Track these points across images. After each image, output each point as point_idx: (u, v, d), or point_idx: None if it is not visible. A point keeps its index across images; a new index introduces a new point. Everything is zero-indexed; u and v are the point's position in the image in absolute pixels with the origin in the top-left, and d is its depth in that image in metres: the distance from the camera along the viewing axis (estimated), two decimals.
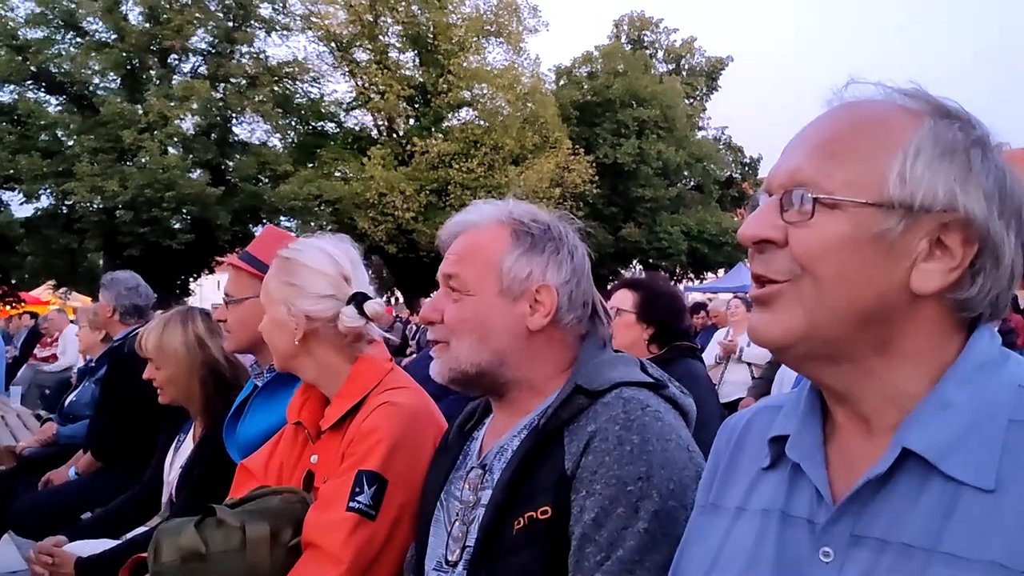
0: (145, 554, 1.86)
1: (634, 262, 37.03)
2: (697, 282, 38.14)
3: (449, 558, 1.54)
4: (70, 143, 26.58)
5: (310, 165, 29.45)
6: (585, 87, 36.34)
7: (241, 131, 30.25)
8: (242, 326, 2.59)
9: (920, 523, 0.88)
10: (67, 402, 5.40)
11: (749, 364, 7.58)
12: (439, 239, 1.66)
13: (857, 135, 0.95)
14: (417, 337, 15.76)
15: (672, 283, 34.61)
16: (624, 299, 3.53)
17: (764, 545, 1.01)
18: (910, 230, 0.91)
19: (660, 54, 41.56)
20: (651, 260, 36.90)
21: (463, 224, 1.63)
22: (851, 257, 0.92)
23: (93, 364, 5.34)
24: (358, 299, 2.03)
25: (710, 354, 7.76)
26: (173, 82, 27.54)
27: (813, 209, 0.93)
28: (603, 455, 1.37)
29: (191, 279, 31.26)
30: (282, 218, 28.71)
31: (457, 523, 1.55)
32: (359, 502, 1.76)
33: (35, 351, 12.41)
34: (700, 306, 12.50)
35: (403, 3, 30.46)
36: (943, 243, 0.92)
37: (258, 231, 30.07)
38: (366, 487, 1.77)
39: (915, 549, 0.87)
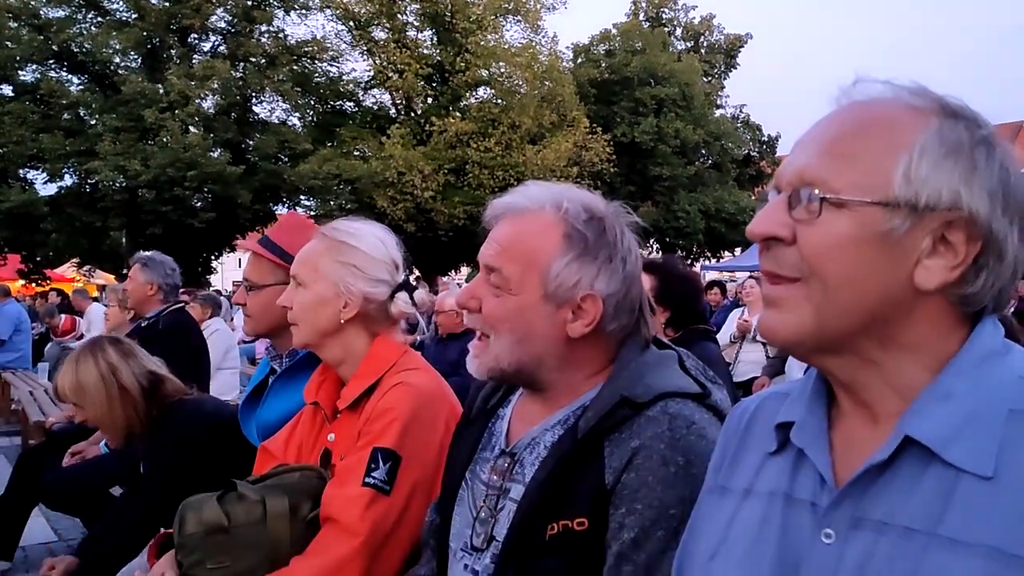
0: (171, 529, 1.92)
1: (651, 241, 36.88)
2: (714, 261, 37.97)
3: (474, 542, 1.54)
4: (92, 122, 26.66)
5: (329, 144, 29.39)
6: (603, 65, 35.99)
7: (261, 110, 30.25)
8: (263, 312, 2.64)
9: (920, 507, 0.91)
10: None
11: (764, 343, 7.58)
12: (484, 218, 1.55)
13: (864, 135, 0.97)
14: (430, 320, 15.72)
15: (689, 262, 34.48)
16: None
17: (768, 526, 1.05)
18: (915, 229, 0.93)
19: (678, 31, 41.12)
20: (668, 239, 36.75)
21: (511, 208, 1.53)
22: (857, 255, 0.94)
23: None
24: (409, 286, 2.11)
25: (725, 334, 7.75)
26: (193, 61, 27.53)
27: (820, 208, 0.95)
28: (647, 474, 1.35)
29: (213, 257, 31.45)
30: (302, 197, 28.79)
31: (484, 508, 1.54)
32: (375, 478, 1.81)
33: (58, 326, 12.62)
34: (714, 283, 12.46)
35: None
36: (947, 240, 0.94)
37: (279, 210, 30.19)
38: (381, 464, 1.83)
39: (915, 532, 0.90)
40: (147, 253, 5.05)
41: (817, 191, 0.96)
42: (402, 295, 2.10)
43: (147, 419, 2.94)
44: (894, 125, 0.97)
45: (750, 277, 9.02)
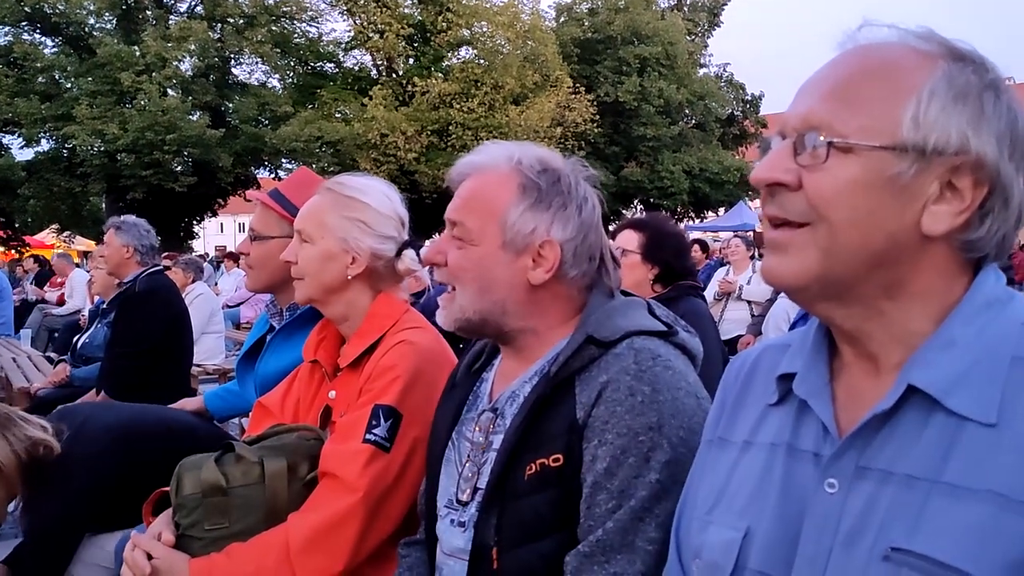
0: (167, 488, 1.91)
1: (635, 201, 36.82)
2: (698, 221, 38.03)
3: (460, 497, 1.57)
4: (68, 86, 26.25)
5: (310, 106, 29.08)
6: (586, 24, 35.61)
7: (240, 72, 29.86)
8: (265, 264, 2.58)
9: (923, 455, 0.91)
10: (79, 344, 5.46)
11: (749, 302, 7.64)
12: (449, 179, 1.63)
13: (871, 79, 0.95)
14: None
15: (674, 222, 34.38)
16: (629, 239, 3.55)
17: (770, 477, 1.05)
18: (922, 173, 0.92)
19: None
20: (652, 199, 36.67)
21: (471, 166, 1.60)
22: (864, 200, 0.93)
23: (105, 306, 5.40)
24: (415, 244, 2.11)
25: (709, 292, 7.79)
26: (170, 22, 27.06)
27: (827, 153, 0.94)
28: (615, 405, 1.39)
29: (194, 221, 31.20)
30: (283, 160, 28.51)
31: (468, 464, 1.59)
32: (375, 434, 1.81)
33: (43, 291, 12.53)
34: (695, 242, 12.47)
35: None
36: (954, 185, 0.93)
37: (261, 174, 29.91)
38: (382, 420, 1.82)
39: (918, 480, 0.90)
40: (121, 218, 4.99)
41: (823, 136, 0.95)
42: (409, 252, 2.09)
43: (25, 492, 2.48)
44: (902, 69, 0.95)
45: (735, 235, 9.04)
